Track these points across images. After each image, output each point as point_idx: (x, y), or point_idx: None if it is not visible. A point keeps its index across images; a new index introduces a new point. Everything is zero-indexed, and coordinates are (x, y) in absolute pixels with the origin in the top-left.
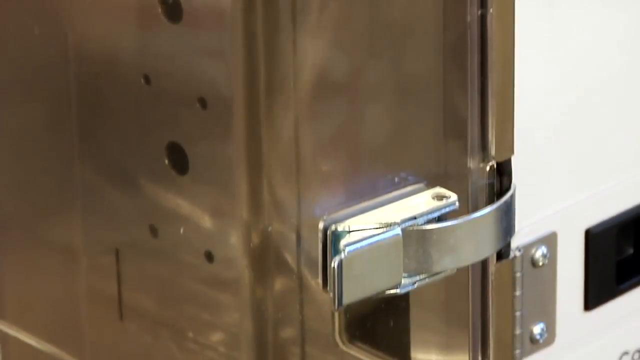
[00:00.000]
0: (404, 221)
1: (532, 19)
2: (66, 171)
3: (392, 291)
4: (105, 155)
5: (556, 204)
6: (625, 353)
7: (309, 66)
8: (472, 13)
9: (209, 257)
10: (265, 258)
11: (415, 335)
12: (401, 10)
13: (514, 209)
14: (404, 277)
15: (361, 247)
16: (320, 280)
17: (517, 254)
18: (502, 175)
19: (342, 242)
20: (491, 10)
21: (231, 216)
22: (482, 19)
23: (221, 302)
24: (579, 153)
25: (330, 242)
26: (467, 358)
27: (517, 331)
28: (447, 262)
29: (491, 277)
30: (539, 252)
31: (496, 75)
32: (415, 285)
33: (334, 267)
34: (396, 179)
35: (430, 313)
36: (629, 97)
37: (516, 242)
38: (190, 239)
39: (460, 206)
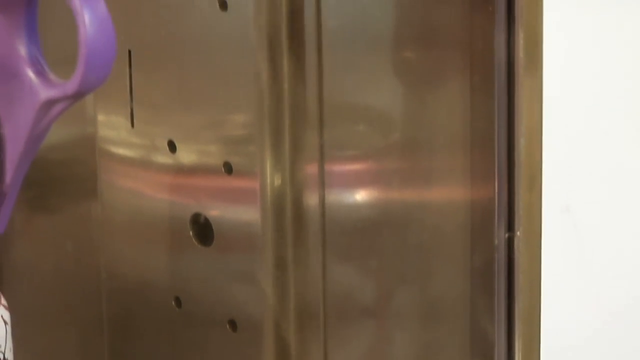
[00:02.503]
0: None
1: (558, 241)
2: None
3: None
4: None
5: None
6: None
7: (338, 291)
8: (500, 236)
9: None
10: None
11: None
12: (429, 234)
13: None
14: None
15: None
16: None
17: None
18: None
19: None
20: (518, 233)
21: None
22: (510, 242)
23: None
24: None
25: None
26: None
27: None
28: None
29: None
30: None
31: (523, 298)
32: None
33: None
34: None
35: None
36: None
37: None
38: None
39: None
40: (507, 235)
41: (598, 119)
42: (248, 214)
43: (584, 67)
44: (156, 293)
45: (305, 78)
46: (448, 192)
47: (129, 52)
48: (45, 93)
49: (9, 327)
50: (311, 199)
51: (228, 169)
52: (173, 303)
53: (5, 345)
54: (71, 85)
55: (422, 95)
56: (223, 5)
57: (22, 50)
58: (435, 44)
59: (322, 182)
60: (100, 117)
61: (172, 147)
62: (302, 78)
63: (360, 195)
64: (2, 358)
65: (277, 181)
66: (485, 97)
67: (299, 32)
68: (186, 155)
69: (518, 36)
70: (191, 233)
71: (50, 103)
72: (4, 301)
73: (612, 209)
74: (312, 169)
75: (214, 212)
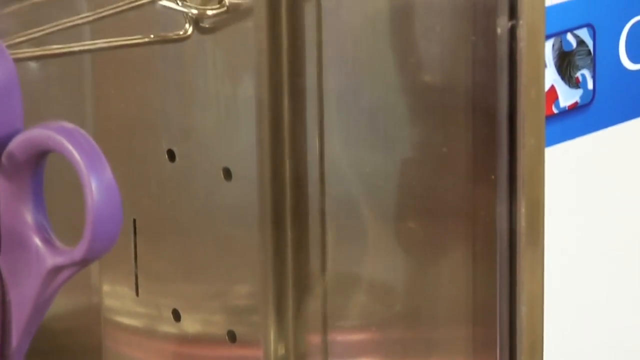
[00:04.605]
0: None
1: None
2: None
3: None
4: None
5: None
6: None
7: None
8: None
9: None
10: None
11: None
12: None
13: None
14: None
15: None
16: None
17: None
18: None
19: None
20: None
21: None
22: None
23: None
24: None
25: None
26: None
27: None
28: None
29: None
30: None
31: None
32: None
33: None
34: None
35: None
36: None
37: None
38: None
39: None
40: None
41: (599, 288)
42: None
43: (586, 236)
44: None
45: (309, 247)
46: None
47: (134, 220)
48: (51, 260)
49: None
50: None
51: (232, 337)
52: None
53: None
54: (78, 252)
55: (424, 264)
56: (227, 175)
57: (29, 217)
58: (437, 213)
59: (325, 352)
60: (106, 287)
61: (176, 316)
62: (305, 247)
63: None
64: None
65: (281, 350)
66: (487, 266)
67: (302, 201)
68: (190, 325)
69: (520, 205)
70: None
71: (57, 270)
72: None
73: None
74: (315, 338)
75: None
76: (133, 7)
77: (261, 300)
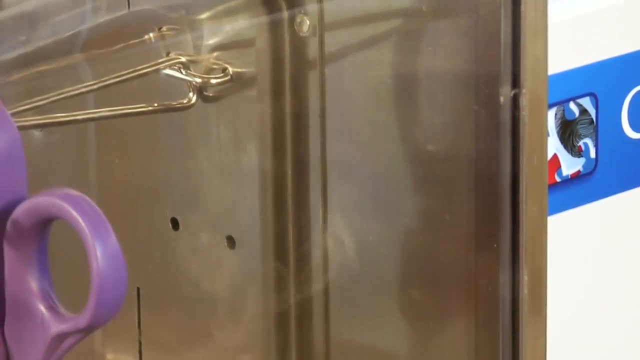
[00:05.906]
0: None
1: None
2: None
3: None
4: None
5: None
6: None
7: None
8: None
9: None
10: None
11: None
12: None
13: None
14: None
15: None
16: None
17: None
18: None
19: None
20: None
21: None
22: None
23: None
24: None
25: None
26: None
27: None
28: None
29: None
30: None
31: None
32: None
33: None
34: None
35: None
36: None
37: None
38: None
39: None
40: None
41: (601, 357)
42: None
43: (588, 304)
44: None
45: (312, 316)
46: None
47: (138, 289)
48: (56, 327)
49: None
50: None
51: None
52: None
53: None
54: (83, 318)
55: (427, 332)
56: (231, 244)
57: (34, 284)
58: (440, 281)
59: None
60: (109, 356)
61: None
62: (308, 316)
63: None
64: None
65: None
66: (489, 334)
67: (305, 270)
68: None
69: (522, 273)
70: None
71: (61, 337)
72: None
73: None
74: None
75: None
76: (137, 76)
77: None
